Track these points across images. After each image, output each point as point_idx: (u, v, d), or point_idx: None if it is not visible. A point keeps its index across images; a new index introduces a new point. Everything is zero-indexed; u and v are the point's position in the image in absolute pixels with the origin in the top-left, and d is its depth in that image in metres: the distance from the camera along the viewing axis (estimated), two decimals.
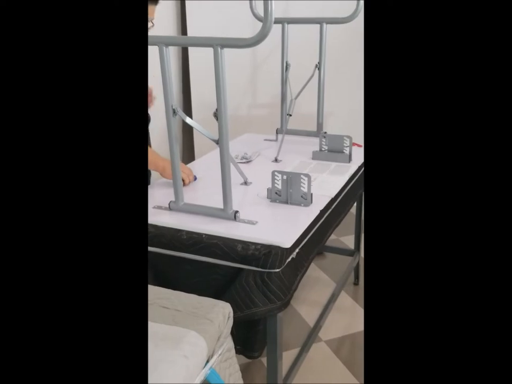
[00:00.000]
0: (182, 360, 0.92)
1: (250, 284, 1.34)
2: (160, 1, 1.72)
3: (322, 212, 1.59)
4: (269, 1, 1.18)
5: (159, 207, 1.56)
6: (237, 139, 2.37)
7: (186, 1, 2.87)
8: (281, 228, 1.44)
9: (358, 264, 2.45)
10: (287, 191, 1.58)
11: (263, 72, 2.98)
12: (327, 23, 2.10)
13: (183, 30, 2.92)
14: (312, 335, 1.92)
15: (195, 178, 1.81)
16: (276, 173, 1.59)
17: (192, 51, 2.91)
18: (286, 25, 2.15)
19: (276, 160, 2.03)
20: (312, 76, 2.13)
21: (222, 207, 1.47)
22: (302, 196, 1.57)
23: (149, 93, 1.88)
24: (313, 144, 2.13)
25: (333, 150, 2.02)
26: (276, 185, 1.59)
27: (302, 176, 1.55)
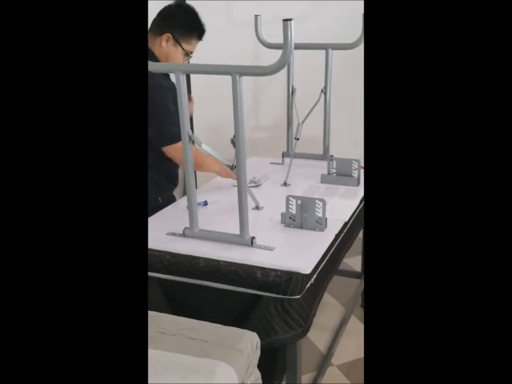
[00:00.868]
0: None
1: (270, 311, 1.33)
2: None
3: (337, 236, 1.59)
4: (289, 29, 1.20)
5: (173, 234, 1.55)
6: None
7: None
8: (299, 254, 1.44)
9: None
10: (301, 216, 1.58)
11: (265, 95, 3.00)
12: (332, 49, 2.13)
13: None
14: (326, 361, 1.91)
15: (206, 203, 1.81)
16: (290, 198, 1.59)
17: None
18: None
19: (285, 184, 2.03)
20: (318, 100, 2.15)
21: (236, 232, 1.47)
22: (316, 221, 1.57)
23: (191, 100, 1.97)
24: (320, 167, 2.14)
25: (341, 173, 2.03)
26: (290, 210, 1.59)
27: (316, 201, 1.55)
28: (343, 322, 2.16)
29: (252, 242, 1.44)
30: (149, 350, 0.91)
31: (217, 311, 1.42)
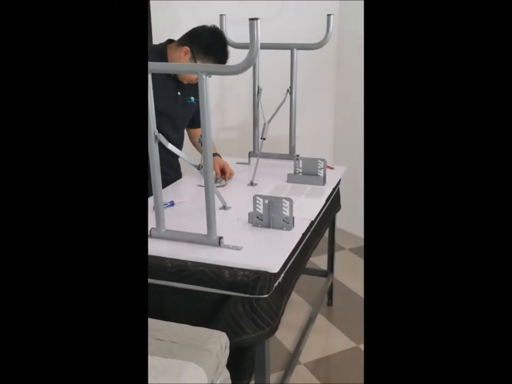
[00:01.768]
0: None
1: (238, 311, 1.33)
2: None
3: (303, 235, 1.61)
4: (255, 28, 1.20)
5: None
6: None
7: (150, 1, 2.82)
8: (266, 253, 1.44)
9: (331, 285, 2.47)
10: (268, 215, 1.58)
11: (231, 95, 3.00)
12: (297, 48, 2.15)
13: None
14: (294, 360, 1.92)
15: (172, 204, 1.79)
16: (257, 197, 1.59)
17: None
18: None
19: (251, 183, 2.03)
20: (284, 100, 2.16)
21: (203, 232, 1.46)
22: (284, 220, 1.57)
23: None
24: (286, 167, 2.15)
25: (307, 172, 2.04)
26: (257, 209, 1.59)
27: (283, 200, 1.56)
28: (310, 321, 2.18)
29: (219, 242, 1.44)
30: None
31: (185, 312, 1.41)
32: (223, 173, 2.08)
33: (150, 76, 1.34)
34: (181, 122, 2.14)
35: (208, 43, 1.89)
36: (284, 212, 1.57)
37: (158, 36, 2.73)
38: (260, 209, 1.59)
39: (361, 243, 3.18)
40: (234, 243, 1.46)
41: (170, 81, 1.96)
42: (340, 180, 2.22)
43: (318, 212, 1.77)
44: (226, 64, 1.90)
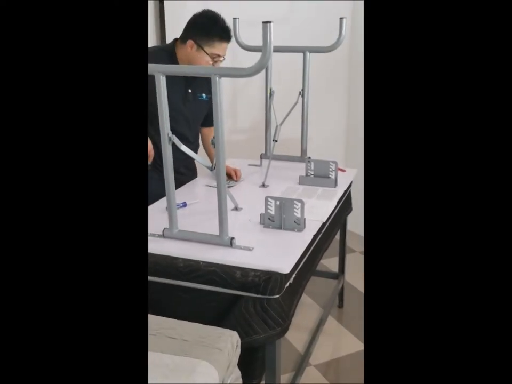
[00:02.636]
0: None
1: (249, 311, 1.34)
2: None
3: (315, 237, 1.61)
4: (268, 31, 1.21)
5: (153, 235, 1.55)
6: None
7: (164, 1, 2.85)
8: (278, 254, 1.45)
9: (342, 287, 2.48)
10: (280, 217, 1.59)
11: (243, 98, 3.01)
12: (310, 51, 2.16)
13: (162, 30, 2.90)
14: (304, 361, 1.92)
15: (185, 205, 1.81)
16: (269, 199, 1.60)
17: None
18: None
19: (263, 185, 2.04)
20: (296, 102, 2.17)
21: (215, 233, 1.47)
22: (295, 221, 1.58)
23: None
24: (297, 169, 2.16)
25: (319, 175, 2.05)
26: (269, 210, 1.61)
27: (295, 201, 1.57)
28: (321, 323, 2.18)
29: (231, 242, 1.45)
30: None
31: (197, 312, 1.42)
32: (230, 176, 2.09)
33: (163, 78, 1.36)
34: (195, 119, 2.15)
35: (205, 26, 1.91)
36: (295, 213, 1.58)
37: (171, 37, 2.76)
38: (271, 210, 1.60)
39: None
40: (245, 244, 1.47)
41: (180, 78, 1.97)
42: (351, 182, 2.22)
43: (329, 214, 1.77)
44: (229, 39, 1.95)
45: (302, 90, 2.22)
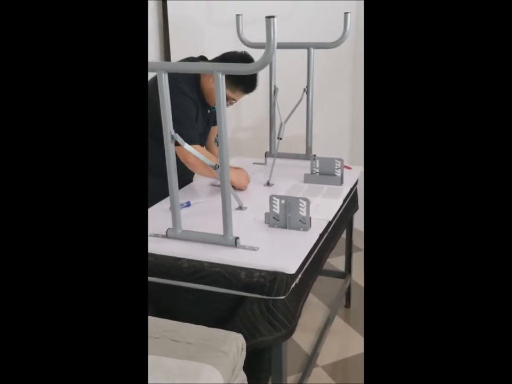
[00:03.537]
0: None
1: (255, 312, 1.31)
2: None
3: (321, 236, 1.59)
4: (272, 26, 1.19)
5: (156, 235, 1.52)
6: None
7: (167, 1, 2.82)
8: (283, 254, 1.43)
9: (349, 286, 2.44)
10: (285, 216, 1.56)
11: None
12: (314, 47, 2.13)
13: (165, 30, 2.88)
14: (311, 362, 1.90)
15: (189, 204, 1.79)
16: (273, 198, 1.58)
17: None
18: None
19: (268, 184, 2.02)
20: (301, 99, 2.14)
21: (220, 233, 1.45)
22: (300, 220, 1.56)
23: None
24: (302, 167, 2.14)
25: (324, 172, 2.02)
26: (274, 209, 1.58)
27: (300, 200, 1.54)
28: (328, 323, 2.15)
29: (235, 242, 1.43)
30: None
31: (201, 313, 1.40)
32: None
33: (165, 76, 1.33)
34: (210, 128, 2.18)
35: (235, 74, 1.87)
36: (300, 212, 1.55)
37: (174, 36, 2.74)
38: (276, 209, 1.58)
39: None
40: (250, 244, 1.45)
41: (203, 108, 1.99)
42: (357, 180, 2.19)
43: (335, 212, 1.74)
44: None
45: (307, 87, 2.19)
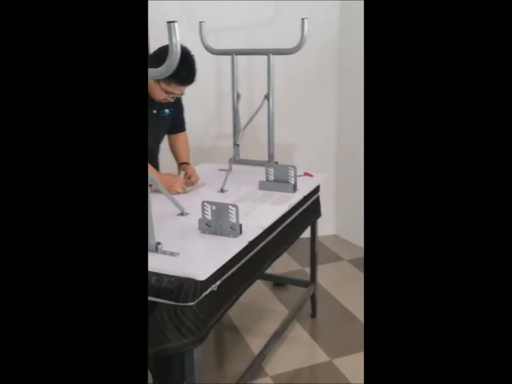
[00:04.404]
0: None
1: (164, 318, 1.30)
2: None
3: (252, 243, 1.57)
4: (173, 31, 1.18)
5: None
6: None
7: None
8: (201, 260, 1.42)
9: (314, 296, 2.40)
10: (216, 222, 1.55)
11: (227, 103, 2.98)
12: (273, 54, 2.11)
13: None
14: (254, 363, 1.87)
15: None
16: (205, 204, 1.57)
17: None
18: (234, 56, 2.16)
19: (221, 190, 2.01)
20: (261, 106, 2.13)
21: None
22: (231, 227, 1.54)
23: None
24: (264, 174, 2.12)
25: (279, 180, 2.00)
26: (205, 215, 1.57)
27: (230, 206, 1.53)
28: (281, 328, 2.12)
29: (156, 248, 1.42)
30: None
31: None
32: (189, 178, 2.08)
33: None
34: (161, 133, 2.19)
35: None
36: (230, 219, 1.54)
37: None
38: (208, 215, 1.57)
39: (361, 253, 3.08)
40: (177, 249, 1.44)
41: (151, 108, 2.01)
42: (318, 187, 2.16)
43: (274, 220, 1.72)
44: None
45: (267, 93, 2.17)
